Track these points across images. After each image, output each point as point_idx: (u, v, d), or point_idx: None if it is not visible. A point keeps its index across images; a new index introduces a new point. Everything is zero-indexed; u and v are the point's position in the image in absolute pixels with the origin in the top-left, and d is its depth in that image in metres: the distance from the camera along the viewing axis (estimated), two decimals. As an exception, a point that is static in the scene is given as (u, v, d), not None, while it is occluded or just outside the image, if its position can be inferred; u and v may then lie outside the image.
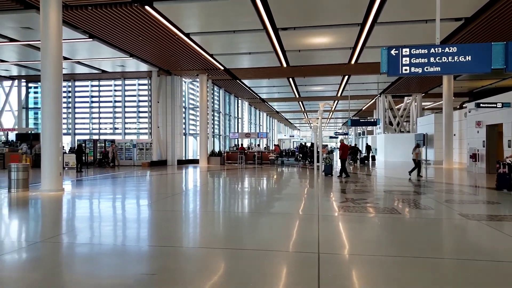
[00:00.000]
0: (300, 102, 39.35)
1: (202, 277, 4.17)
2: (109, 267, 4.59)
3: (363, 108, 43.94)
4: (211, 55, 19.65)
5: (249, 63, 21.68)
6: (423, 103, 34.45)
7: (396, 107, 34.63)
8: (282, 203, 9.84)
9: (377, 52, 14.98)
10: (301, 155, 28.19)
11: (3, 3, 12.44)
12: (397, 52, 7.05)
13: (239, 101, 36.95)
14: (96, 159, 23.49)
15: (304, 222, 7.34)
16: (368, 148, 30.10)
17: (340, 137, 42.78)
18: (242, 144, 32.05)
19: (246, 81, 27.81)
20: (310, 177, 16.86)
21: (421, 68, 6.97)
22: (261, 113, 48.02)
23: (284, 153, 30.47)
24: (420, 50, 7.00)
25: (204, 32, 16.05)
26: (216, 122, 30.47)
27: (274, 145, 35.86)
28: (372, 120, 33.36)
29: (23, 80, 26.95)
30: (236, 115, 36.06)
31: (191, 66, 22.16)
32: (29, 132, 25.46)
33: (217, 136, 30.96)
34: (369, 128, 45.39)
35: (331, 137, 55.57)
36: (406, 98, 34.02)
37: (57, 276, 4.28)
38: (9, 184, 10.90)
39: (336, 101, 37.40)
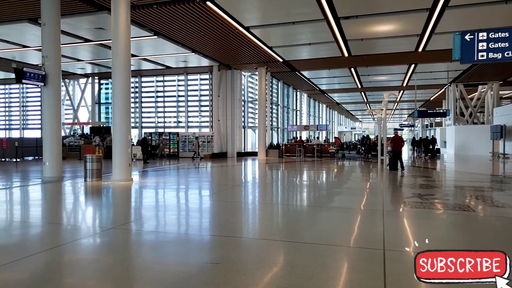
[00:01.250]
0: (362, 93, 38.06)
1: (264, 268, 4.17)
2: (174, 254, 4.76)
3: (431, 98, 41.44)
4: (270, 48, 19.62)
5: (308, 54, 21.34)
6: (500, 92, 31.63)
7: (468, 96, 32.18)
8: (343, 198, 9.59)
9: (447, 38, 13.95)
10: (363, 148, 27.31)
11: (79, 6, 13.38)
12: (472, 37, 6.49)
13: (298, 93, 36.60)
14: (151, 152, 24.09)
15: (367, 217, 7.08)
16: (434, 140, 28.37)
17: (405, 129, 40.74)
18: (300, 137, 31.78)
19: (305, 73, 27.45)
20: (373, 171, 16.28)
21: (501, 53, 6.35)
22: (320, 104, 47.20)
23: (345, 146, 29.68)
24: (500, 33, 6.37)
25: (264, 24, 16.04)
26: (274, 115, 30.48)
27: (335, 137, 35.14)
28: (441, 111, 31.37)
29: (96, 77, 28.93)
30: (294, 108, 35.79)
31: (250, 60, 22.32)
32: (101, 125, 27.33)
33: (275, 128, 30.98)
34: (437, 119, 42.63)
35: (395, 129, 53.24)
36: (480, 86, 31.46)
37: (127, 261, 4.53)
38: (85, 173, 11.80)
39: (402, 91, 35.63)
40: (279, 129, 31.60)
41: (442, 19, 14.81)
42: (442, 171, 17.11)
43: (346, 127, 67.06)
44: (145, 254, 4.83)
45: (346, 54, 20.42)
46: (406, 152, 33.30)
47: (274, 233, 5.82)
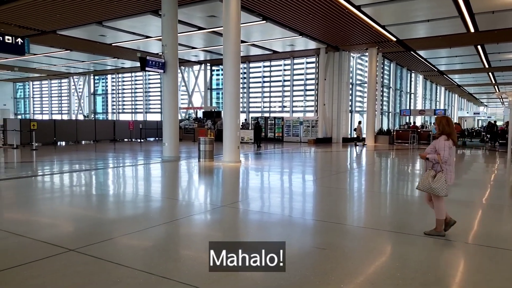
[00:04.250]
0: (489, 73, 33.62)
1: (373, 258, 3.98)
2: (279, 236, 4.82)
3: None
4: (382, 27, 18.42)
5: (426, 32, 19.49)
6: None
7: None
8: (462, 190, 8.63)
9: None
10: (488, 136, 24.26)
11: (194, -4, 14.24)
12: None
13: (412, 74, 33.92)
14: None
15: (490, 212, 6.30)
16: None
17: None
18: (414, 122, 29.57)
19: (421, 52, 25.20)
20: (499, 162, 14.38)
21: None
22: (438, 87, 43.09)
23: (466, 133, 26.69)
24: None
25: (376, 2, 15.05)
26: (385, 99, 28.79)
27: (455, 123, 31.84)
28: None
29: (208, 64, 30.71)
30: (408, 91, 33.29)
31: (360, 40, 21.31)
32: (213, 110, 29.06)
33: (386, 113, 29.28)
34: None
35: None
36: None
37: (235, 238, 4.73)
38: (199, 154, 12.72)
39: (540, 71, 30.55)
40: (390, 113, 29.81)
41: None
42: None
43: (468, 112, 60.26)
44: (252, 233, 4.99)
45: (472, 30, 18.11)
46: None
47: (383, 223, 5.50)
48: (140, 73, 34.10)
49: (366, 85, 24.78)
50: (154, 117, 32.64)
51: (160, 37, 13.83)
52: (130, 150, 18.30)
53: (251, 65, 29.01)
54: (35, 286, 3.16)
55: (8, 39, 9.28)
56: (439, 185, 4.36)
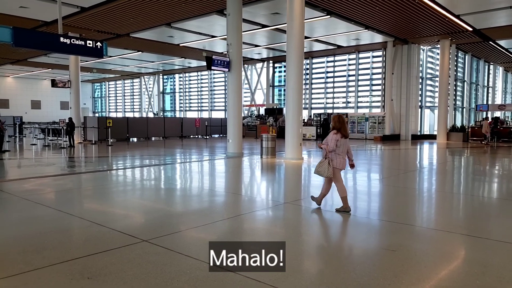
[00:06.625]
0: None
1: (448, 263, 3.75)
2: (343, 234, 4.73)
3: None
4: (457, 16, 17.18)
5: (508, 20, 17.82)
6: None
7: None
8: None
9: None
10: None
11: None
12: None
13: (491, 66, 31.28)
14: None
15: None
16: None
17: None
18: (493, 118, 27.27)
19: (501, 42, 23.13)
20: None
21: None
22: (520, 80, 39.33)
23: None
24: None
25: (449, -10, 14.12)
26: (458, 93, 26.88)
27: (539, 119, 28.86)
28: None
29: (270, 61, 30.82)
30: (485, 84, 30.77)
31: (431, 32, 20.08)
32: (274, 107, 29.15)
33: (459, 108, 27.34)
34: None
35: None
36: None
37: (298, 235, 4.72)
38: (261, 151, 12.86)
39: None
40: (464, 109, 27.80)
41: None
42: None
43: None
44: (315, 231, 4.94)
45: (563, 15, 16.28)
46: None
47: (457, 225, 5.15)
48: (206, 72, 35.14)
49: (437, 79, 23.33)
50: (218, 115, 33.54)
51: (225, 36, 14.12)
52: (196, 147, 19.00)
53: (314, 60, 28.63)
54: (115, 272, 3.41)
55: (89, 43, 10.08)
56: (322, 169, 5.57)
